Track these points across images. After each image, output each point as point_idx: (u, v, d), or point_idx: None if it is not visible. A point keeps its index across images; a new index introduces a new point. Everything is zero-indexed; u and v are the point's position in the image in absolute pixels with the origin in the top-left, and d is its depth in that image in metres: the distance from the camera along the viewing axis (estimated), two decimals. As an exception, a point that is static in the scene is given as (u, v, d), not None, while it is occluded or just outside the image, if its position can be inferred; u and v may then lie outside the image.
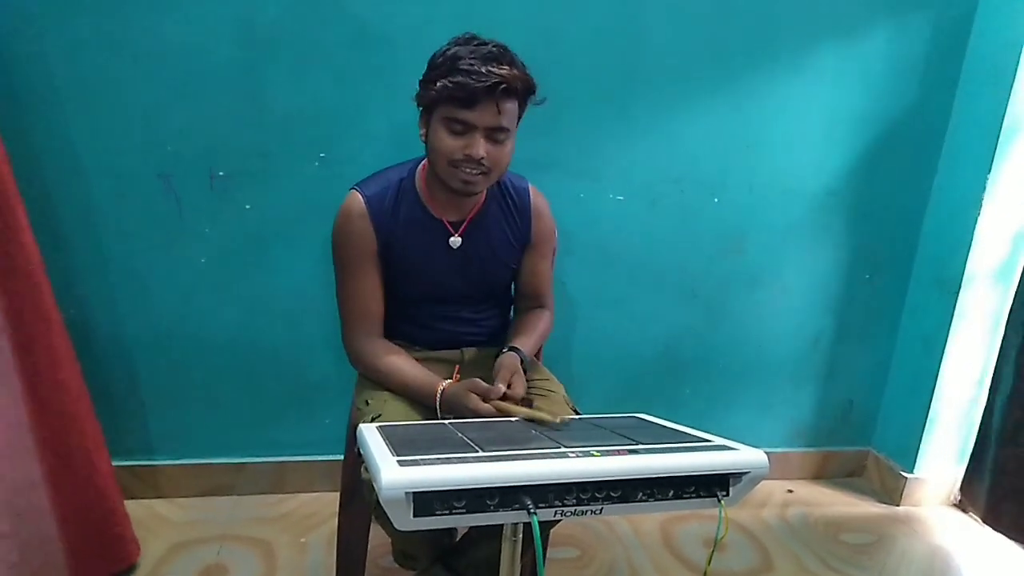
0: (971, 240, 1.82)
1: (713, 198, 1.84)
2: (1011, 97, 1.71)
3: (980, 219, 1.80)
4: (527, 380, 1.25)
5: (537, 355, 1.47)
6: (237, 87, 1.55)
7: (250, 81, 1.56)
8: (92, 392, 1.68)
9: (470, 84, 1.08)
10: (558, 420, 1.04)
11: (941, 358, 1.92)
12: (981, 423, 1.92)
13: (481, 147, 1.13)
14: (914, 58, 1.81)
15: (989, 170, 1.76)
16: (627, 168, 1.77)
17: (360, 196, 1.26)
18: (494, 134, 1.15)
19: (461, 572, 1.35)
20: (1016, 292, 1.78)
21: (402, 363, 1.29)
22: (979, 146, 1.79)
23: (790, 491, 2.11)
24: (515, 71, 1.12)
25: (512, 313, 1.50)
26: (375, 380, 1.31)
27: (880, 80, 1.82)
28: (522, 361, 1.27)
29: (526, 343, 1.33)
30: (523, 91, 1.15)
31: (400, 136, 1.63)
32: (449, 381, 1.24)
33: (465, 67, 1.09)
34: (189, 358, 1.73)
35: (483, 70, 1.08)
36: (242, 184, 1.62)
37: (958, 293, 1.86)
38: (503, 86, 1.10)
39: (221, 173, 1.61)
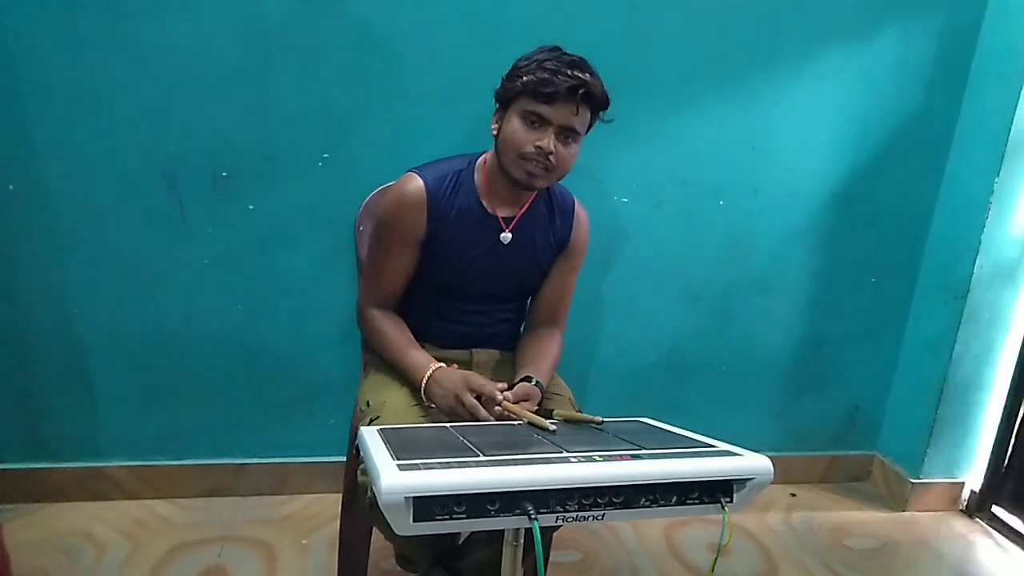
0: (978, 244, 1.81)
1: (718, 201, 1.83)
2: (1019, 101, 1.70)
3: (987, 223, 1.79)
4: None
5: None
6: (241, 89, 1.55)
7: (254, 83, 1.55)
8: (93, 391, 1.70)
9: (555, 81, 1.14)
10: (551, 429, 1.03)
11: (947, 362, 1.91)
12: (1001, 431, 1.90)
13: (551, 142, 1.18)
14: (921, 62, 1.80)
15: (997, 174, 1.75)
16: (632, 170, 1.76)
17: (421, 182, 1.26)
18: (565, 134, 1.19)
19: (462, 575, 1.35)
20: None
21: (406, 335, 1.32)
22: (986, 150, 1.78)
23: (793, 495, 2.10)
24: (596, 80, 1.18)
25: (524, 327, 1.48)
26: (375, 343, 1.34)
27: (886, 84, 1.81)
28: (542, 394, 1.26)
29: (542, 374, 1.30)
30: (599, 101, 1.20)
31: (403, 138, 1.63)
32: (442, 365, 1.23)
33: (551, 67, 1.15)
34: (191, 358, 1.73)
35: (568, 72, 1.15)
36: (245, 185, 1.62)
37: (965, 297, 1.85)
38: (583, 90, 1.16)
39: (224, 174, 1.61)
